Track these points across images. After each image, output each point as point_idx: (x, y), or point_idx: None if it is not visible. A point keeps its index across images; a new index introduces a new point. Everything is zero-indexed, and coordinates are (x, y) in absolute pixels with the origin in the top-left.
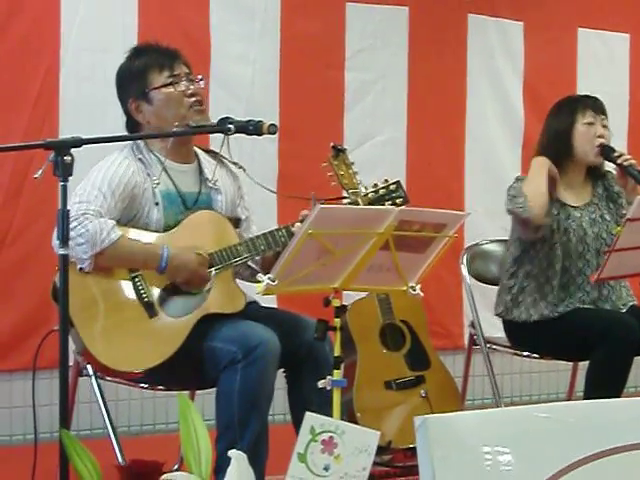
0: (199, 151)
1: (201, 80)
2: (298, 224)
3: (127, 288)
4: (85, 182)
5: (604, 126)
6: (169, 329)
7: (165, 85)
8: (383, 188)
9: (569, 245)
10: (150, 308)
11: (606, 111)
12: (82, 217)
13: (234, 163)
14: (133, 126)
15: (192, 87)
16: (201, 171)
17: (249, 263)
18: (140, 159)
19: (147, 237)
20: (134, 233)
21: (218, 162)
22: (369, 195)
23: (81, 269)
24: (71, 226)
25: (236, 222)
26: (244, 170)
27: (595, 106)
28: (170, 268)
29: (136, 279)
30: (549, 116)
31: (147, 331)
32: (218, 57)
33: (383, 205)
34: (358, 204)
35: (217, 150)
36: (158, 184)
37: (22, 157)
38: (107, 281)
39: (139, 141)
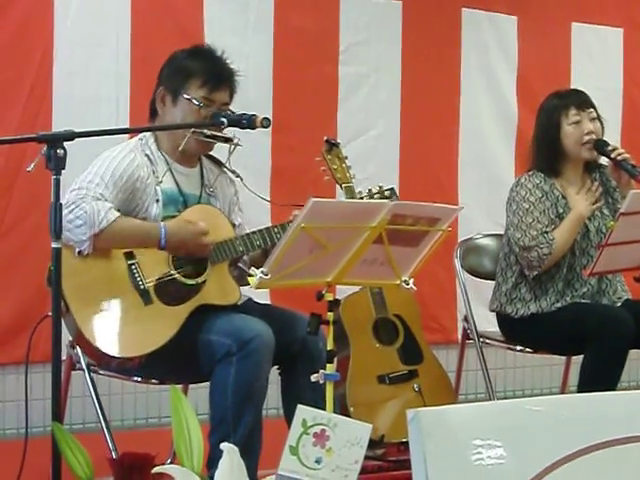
0: (203, 157)
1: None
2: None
3: (123, 275)
4: (88, 170)
5: (592, 119)
6: (164, 317)
7: (196, 101)
8: (377, 193)
9: (574, 243)
10: (146, 296)
11: (591, 102)
12: (79, 200)
13: (232, 171)
14: (153, 112)
15: None
16: (202, 176)
17: (239, 263)
18: (147, 155)
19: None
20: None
21: (220, 170)
22: (363, 198)
23: (79, 252)
24: (68, 210)
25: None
26: (241, 179)
27: (579, 102)
28: (170, 242)
29: (132, 267)
30: (537, 117)
31: (142, 318)
32: None
33: None
34: None
35: (222, 158)
36: (161, 182)
37: (15, 150)
38: (104, 267)
39: (150, 138)
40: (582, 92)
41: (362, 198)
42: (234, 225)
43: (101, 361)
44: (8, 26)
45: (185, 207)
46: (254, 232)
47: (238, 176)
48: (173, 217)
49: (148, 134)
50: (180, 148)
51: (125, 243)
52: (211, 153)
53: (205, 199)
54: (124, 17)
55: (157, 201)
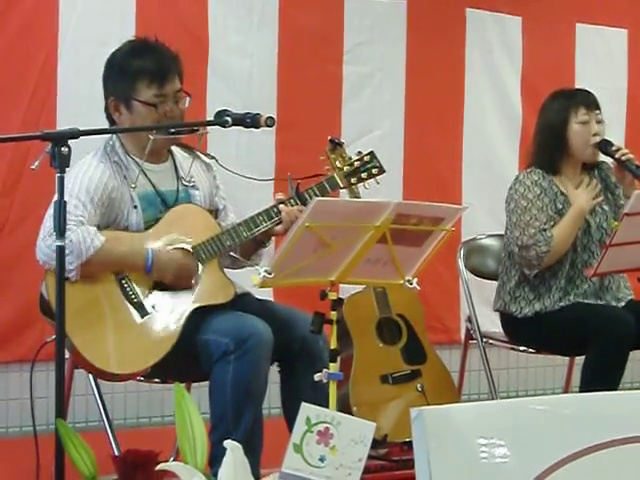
0: (173, 147)
1: (187, 96)
2: (282, 206)
3: (115, 292)
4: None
5: (598, 121)
6: (163, 326)
7: (149, 103)
8: (357, 160)
9: (575, 239)
10: (140, 308)
11: (599, 104)
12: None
13: (206, 154)
14: (110, 120)
15: (175, 110)
16: (176, 169)
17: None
18: (116, 162)
19: (129, 237)
20: (116, 235)
21: (194, 157)
22: (344, 169)
23: (67, 279)
24: (54, 238)
25: (215, 213)
26: (217, 160)
27: (588, 102)
28: (156, 268)
29: (123, 281)
30: (542, 112)
31: (141, 331)
32: (216, 50)
33: (360, 177)
34: (336, 181)
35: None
36: (135, 187)
37: (19, 148)
38: (94, 287)
39: (116, 143)
40: (591, 93)
41: (342, 168)
42: (218, 210)
43: (105, 378)
44: (13, 25)
45: (165, 206)
46: (239, 223)
47: (212, 157)
48: (156, 220)
49: (114, 139)
50: (147, 150)
51: (112, 267)
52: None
53: (183, 192)
54: (129, 16)
55: (135, 207)
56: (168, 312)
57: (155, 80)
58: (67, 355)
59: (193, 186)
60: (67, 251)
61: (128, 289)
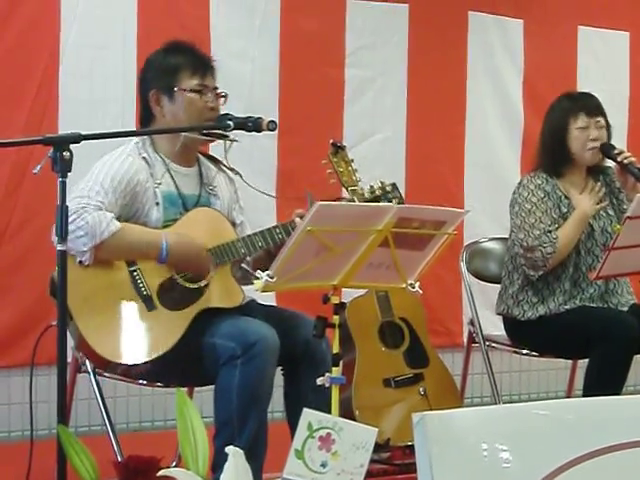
0: (201, 156)
1: (224, 97)
2: (298, 219)
3: (126, 282)
4: (88, 176)
5: (600, 127)
6: (168, 322)
7: (193, 90)
8: (379, 189)
9: (578, 242)
10: (149, 302)
11: (602, 109)
12: (81, 210)
13: (231, 169)
14: (147, 117)
15: (215, 102)
16: (201, 175)
17: (242, 264)
18: (144, 158)
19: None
20: (133, 225)
21: (218, 168)
22: (365, 195)
23: (80, 262)
24: (70, 219)
25: (232, 226)
26: (241, 176)
27: (589, 108)
28: (170, 258)
29: (134, 273)
30: (546, 117)
31: (146, 324)
32: (218, 54)
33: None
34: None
35: (219, 155)
36: (160, 184)
37: (21, 153)
38: (106, 275)
39: (146, 139)
40: (595, 98)
41: (363, 194)
42: (235, 224)
43: (106, 367)
44: (15, 28)
45: (185, 209)
46: (255, 233)
47: (237, 173)
48: (174, 220)
49: (145, 136)
50: (177, 147)
51: (125, 255)
52: (210, 152)
53: (205, 198)
54: (130, 19)
55: (157, 204)
56: (175, 309)
57: (197, 71)
58: (69, 352)
59: (215, 195)
60: (82, 232)
61: (139, 281)
